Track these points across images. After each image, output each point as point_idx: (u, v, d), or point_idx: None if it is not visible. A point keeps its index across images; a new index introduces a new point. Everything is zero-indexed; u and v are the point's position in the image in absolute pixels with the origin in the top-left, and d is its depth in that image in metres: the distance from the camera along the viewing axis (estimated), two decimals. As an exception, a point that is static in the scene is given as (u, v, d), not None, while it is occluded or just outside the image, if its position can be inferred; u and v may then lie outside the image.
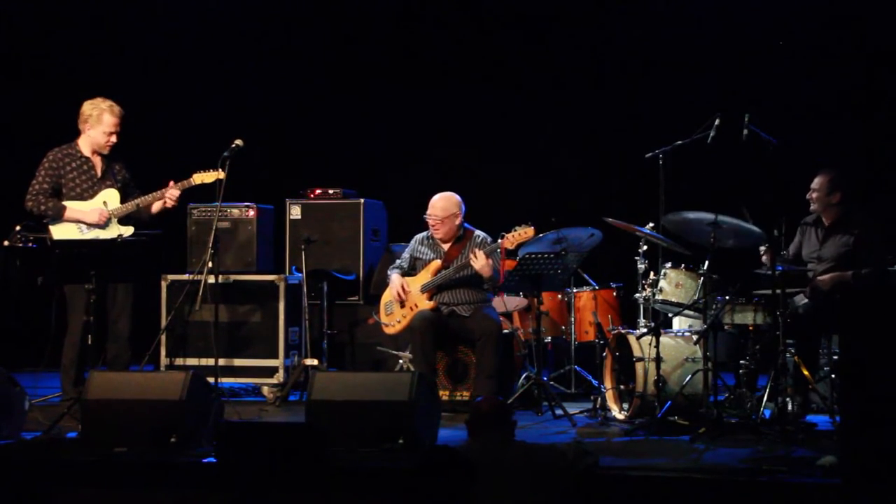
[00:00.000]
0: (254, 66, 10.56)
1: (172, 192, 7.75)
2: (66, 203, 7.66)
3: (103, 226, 7.64)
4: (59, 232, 7.61)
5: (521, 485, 4.89)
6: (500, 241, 7.66)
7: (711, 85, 9.41)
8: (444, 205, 7.82)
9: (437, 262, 7.84)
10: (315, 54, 10.59)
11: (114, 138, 7.77)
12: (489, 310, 7.84)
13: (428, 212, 7.85)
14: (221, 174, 7.71)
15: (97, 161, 7.80)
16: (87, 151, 7.78)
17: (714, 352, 6.94)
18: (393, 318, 7.95)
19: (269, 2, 10.63)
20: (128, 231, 7.64)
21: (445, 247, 7.90)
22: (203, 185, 7.82)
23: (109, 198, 7.72)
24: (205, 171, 7.76)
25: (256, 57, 10.56)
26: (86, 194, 7.72)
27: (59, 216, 7.63)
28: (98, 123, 7.73)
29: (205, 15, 10.49)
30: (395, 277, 7.93)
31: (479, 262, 7.60)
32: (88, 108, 7.77)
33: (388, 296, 8.00)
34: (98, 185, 7.75)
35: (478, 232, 7.92)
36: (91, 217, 7.64)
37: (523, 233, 7.53)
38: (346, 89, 10.54)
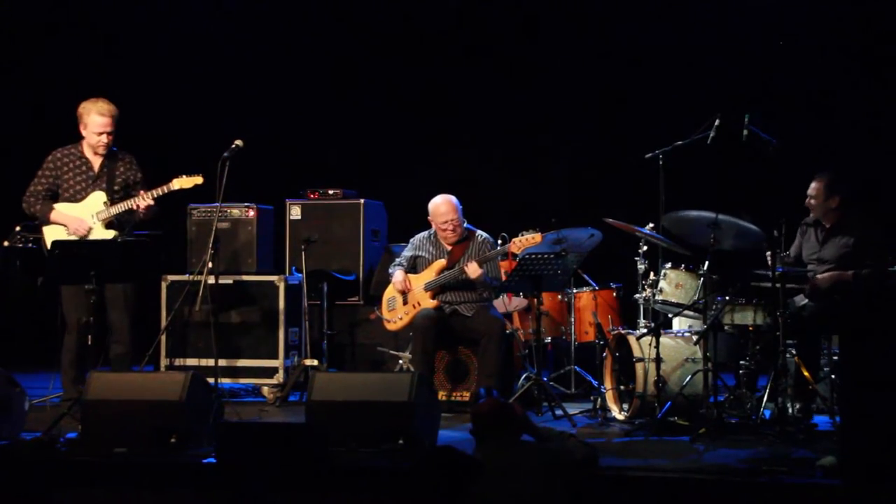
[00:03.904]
0: (254, 66, 10.56)
1: (141, 202, 7.52)
2: (55, 205, 7.59)
3: (83, 236, 7.52)
4: (51, 234, 7.54)
5: (534, 485, 4.88)
6: (506, 245, 7.67)
7: (711, 85, 9.41)
8: (454, 207, 7.81)
9: (442, 262, 7.84)
10: (315, 54, 10.58)
11: (104, 139, 7.58)
12: (492, 310, 7.85)
13: (442, 218, 7.79)
14: (199, 179, 7.52)
15: (96, 162, 7.68)
16: (88, 153, 7.70)
17: (714, 352, 6.93)
18: (395, 315, 7.95)
19: (269, 1, 10.63)
20: (109, 235, 7.55)
21: (449, 247, 7.90)
22: (203, 186, 7.79)
23: (97, 200, 7.60)
24: (186, 176, 7.55)
25: (257, 57, 10.55)
26: (79, 195, 7.63)
27: (45, 219, 7.57)
28: (88, 124, 7.60)
29: (205, 15, 10.49)
30: (398, 272, 7.94)
31: (474, 272, 7.61)
32: (81, 109, 7.63)
33: (390, 291, 8.01)
34: (92, 186, 7.65)
35: (479, 232, 7.92)
36: (72, 225, 7.53)
37: (530, 238, 7.57)
38: (346, 89, 10.55)
